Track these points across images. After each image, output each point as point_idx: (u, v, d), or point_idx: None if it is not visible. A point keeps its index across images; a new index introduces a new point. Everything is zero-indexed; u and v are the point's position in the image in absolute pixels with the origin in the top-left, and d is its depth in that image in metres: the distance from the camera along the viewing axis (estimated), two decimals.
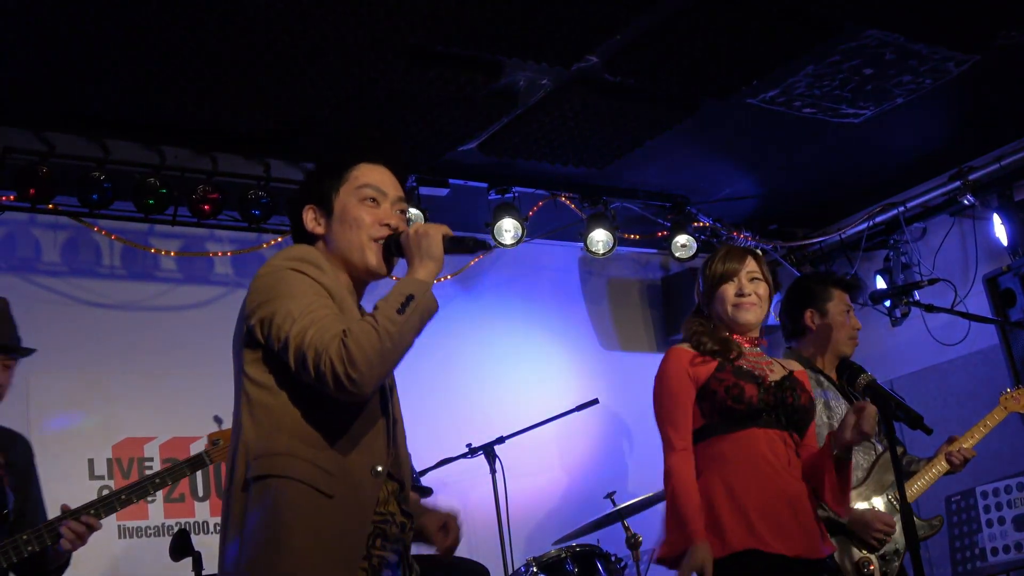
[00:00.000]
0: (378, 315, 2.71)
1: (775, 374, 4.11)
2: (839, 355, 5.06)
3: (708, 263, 4.29)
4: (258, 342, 2.82)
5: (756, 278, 4.19)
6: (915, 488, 5.02)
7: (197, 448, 6.15)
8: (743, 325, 4.15)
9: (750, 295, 4.15)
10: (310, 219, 3.05)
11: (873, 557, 4.74)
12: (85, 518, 4.09)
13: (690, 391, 4.05)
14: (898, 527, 4.77)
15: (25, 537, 4.05)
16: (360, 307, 3.04)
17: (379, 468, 2.84)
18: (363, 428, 2.84)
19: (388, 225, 3.01)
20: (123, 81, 5.35)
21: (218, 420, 4.59)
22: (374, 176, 3.07)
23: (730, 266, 4.19)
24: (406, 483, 3.01)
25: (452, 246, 2.96)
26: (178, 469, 4.40)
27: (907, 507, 3.86)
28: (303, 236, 3.07)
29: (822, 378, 5.01)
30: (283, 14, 4.89)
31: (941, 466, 5.09)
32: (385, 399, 2.93)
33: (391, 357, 2.71)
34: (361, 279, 3.06)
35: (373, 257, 3.00)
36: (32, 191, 5.68)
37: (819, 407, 4.93)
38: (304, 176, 3.26)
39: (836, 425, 4.87)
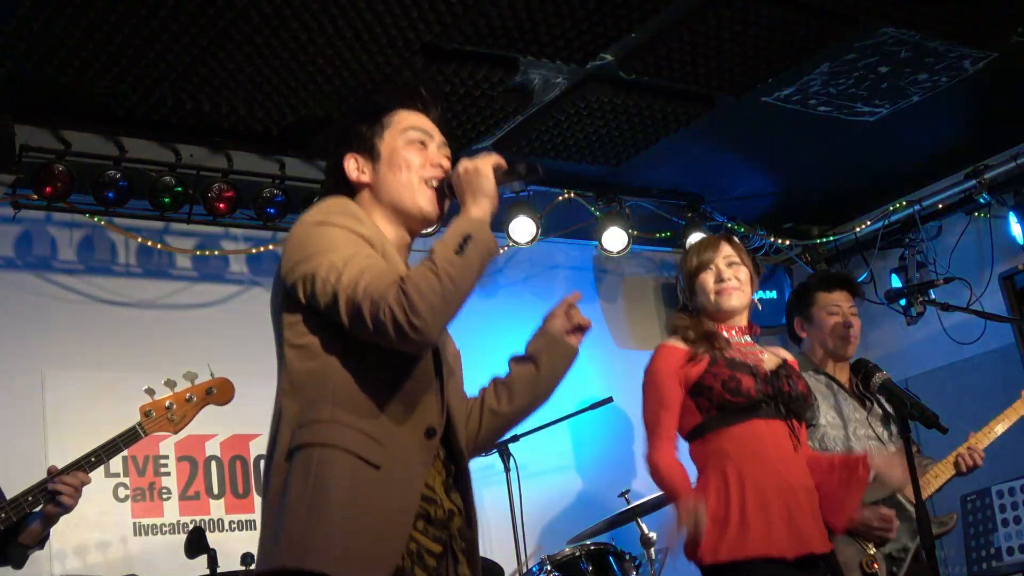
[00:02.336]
0: (436, 257, 2.54)
1: (768, 363, 4.06)
2: (838, 357, 5.02)
3: (684, 258, 4.28)
4: (297, 305, 2.66)
5: (734, 262, 4.17)
6: (927, 489, 4.93)
7: (212, 446, 6.20)
8: (728, 311, 4.11)
9: (730, 279, 4.12)
10: (353, 168, 2.89)
11: (879, 556, 4.70)
12: (75, 472, 4.16)
13: (678, 393, 4.00)
14: (903, 526, 4.73)
15: (2, 514, 4.06)
16: (406, 264, 2.88)
17: (433, 428, 2.69)
18: (415, 387, 2.69)
19: (440, 166, 2.89)
20: (139, 79, 5.36)
21: (150, 392, 4.53)
22: (418, 120, 2.96)
23: (705, 255, 4.18)
24: (460, 466, 2.83)
25: (504, 177, 2.78)
26: (112, 445, 4.36)
27: (923, 508, 3.85)
28: (342, 189, 2.91)
29: (831, 381, 4.99)
30: (300, 11, 4.90)
31: (953, 466, 5.02)
32: (438, 355, 2.76)
33: (454, 301, 2.53)
34: (410, 229, 2.91)
35: (426, 200, 2.85)
36: (48, 189, 5.69)
37: (824, 408, 4.92)
38: (339, 127, 3.14)
39: (845, 426, 4.88)
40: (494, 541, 6.23)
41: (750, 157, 7.29)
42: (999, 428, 5.13)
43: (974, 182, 7.33)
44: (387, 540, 2.54)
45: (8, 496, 4.23)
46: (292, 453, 2.60)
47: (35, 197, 5.76)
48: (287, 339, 2.71)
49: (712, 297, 4.11)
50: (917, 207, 7.70)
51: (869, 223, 8.04)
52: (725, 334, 4.11)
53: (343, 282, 2.55)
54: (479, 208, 2.69)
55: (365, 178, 2.88)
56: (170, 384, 4.48)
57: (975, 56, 6.05)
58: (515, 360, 2.99)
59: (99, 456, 4.30)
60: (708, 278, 4.13)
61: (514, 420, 3.04)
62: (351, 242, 2.65)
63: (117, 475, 5.95)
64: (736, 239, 4.34)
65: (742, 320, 4.17)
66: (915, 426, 4.22)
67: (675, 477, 3.90)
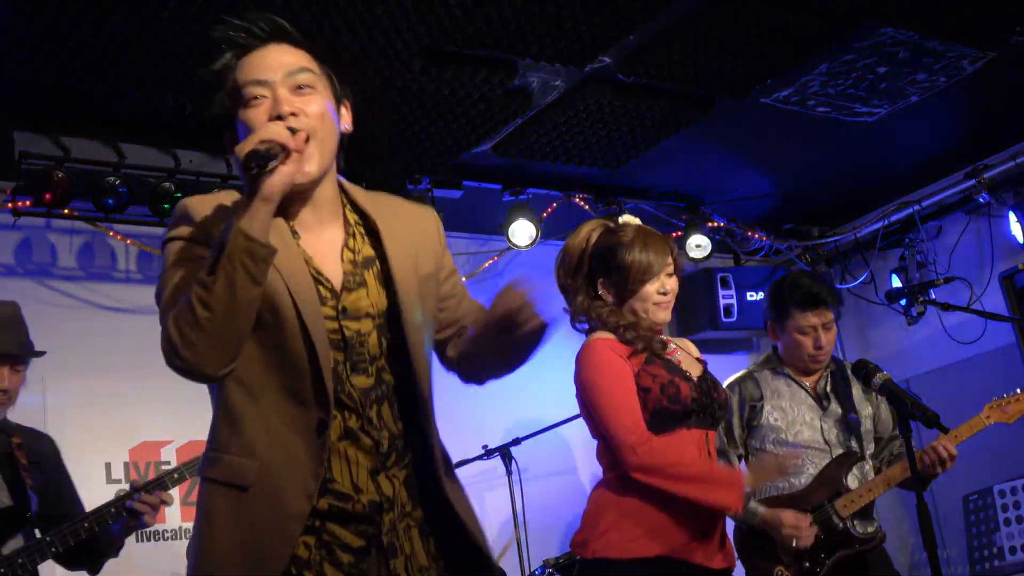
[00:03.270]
0: (194, 283, 2.32)
1: (690, 364, 3.88)
2: (805, 371, 5.00)
3: (626, 250, 3.86)
4: None
5: (671, 274, 3.89)
6: (871, 493, 4.78)
7: None
8: (660, 324, 3.86)
9: (668, 293, 3.85)
10: (229, 148, 2.56)
11: (787, 567, 4.62)
12: (157, 492, 4.28)
13: (631, 377, 3.71)
14: (822, 533, 4.67)
15: (85, 524, 4.22)
16: (293, 232, 2.58)
17: (323, 420, 2.46)
18: (293, 380, 2.48)
19: (280, 117, 2.48)
20: (138, 85, 5.36)
21: None
22: (253, 65, 2.56)
23: (657, 261, 3.83)
24: (391, 440, 2.58)
25: (248, 163, 2.34)
26: (192, 462, 4.46)
27: (923, 506, 3.85)
28: None
29: (791, 380, 4.94)
30: (299, 15, 4.90)
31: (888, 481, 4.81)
32: (309, 337, 2.47)
33: (217, 326, 2.31)
34: (290, 193, 2.50)
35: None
36: (48, 196, 5.69)
37: (768, 408, 4.88)
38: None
39: (787, 428, 4.84)
40: (496, 544, 6.23)
41: (749, 158, 7.30)
42: (963, 436, 4.96)
43: (974, 182, 7.34)
44: (263, 555, 2.44)
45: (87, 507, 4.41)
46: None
47: (35, 204, 5.76)
48: None
49: (651, 309, 3.82)
50: (917, 207, 7.71)
51: (869, 223, 8.05)
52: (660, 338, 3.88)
53: (160, 315, 2.44)
54: (240, 210, 2.37)
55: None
56: None
57: (974, 56, 6.05)
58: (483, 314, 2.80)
59: (181, 473, 4.40)
60: (651, 289, 3.82)
61: (486, 369, 2.88)
62: (174, 262, 2.48)
63: (119, 481, 5.96)
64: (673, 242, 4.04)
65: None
66: (916, 426, 4.21)
67: (706, 465, 3.71)
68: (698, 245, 7.60)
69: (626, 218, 4.05)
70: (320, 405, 2.48)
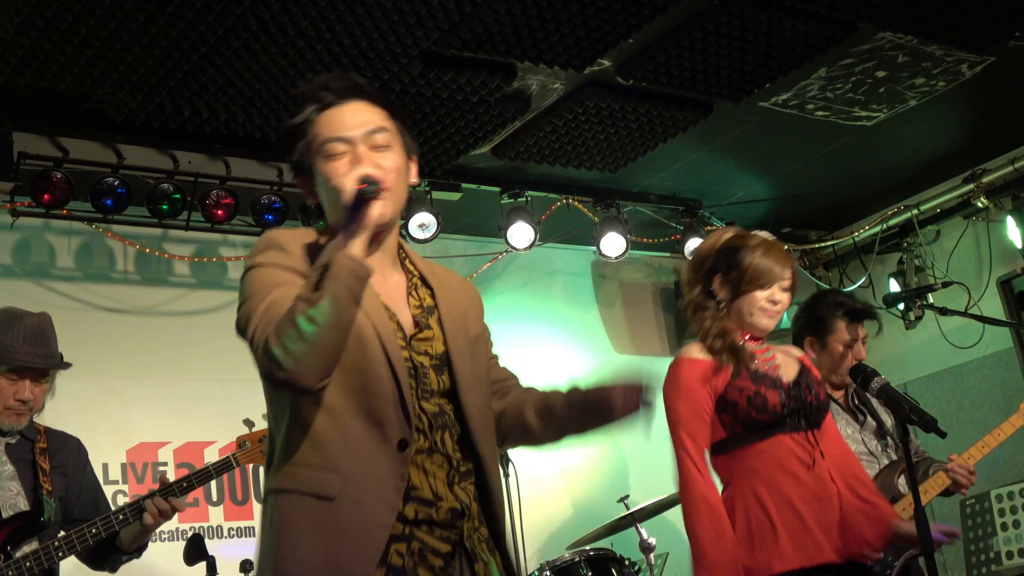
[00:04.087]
0: (296, 299, 2.47)
1: (786, 370, 3.95)
2: (835, 383, 5.02)
3: (749, 252, 3.94)
4: None
5: (787, 288, 3.96)
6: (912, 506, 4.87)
7: (211, 453, 6.19)
8: (762, 332, 3.96)
9: (778, 304, 3.93)
10: (306, 194, 2.82)
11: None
12: (171, 499, 4.27)
13: (708, 401, 3.83)
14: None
15: (93, 529, 4.23)
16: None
17: (405, 439, 2.61)
18: (373, 401, 2.61)
19: (366, 176, 2.64)
20: (137, 86, 5.36)
21: (248, 423, 4.61)
22: (332, 123, 2.74)
23: (776, 269, 3.92)
24: (478, 462, 2.78)
25: (358, 199, 2.58)
26: (204, 472, 4.46)
27: (922, 512, 3.84)
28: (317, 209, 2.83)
29: (827, 397, 4.98)
30: (298, 18, 4.90)
31: (943, 481, 4.95)
32: (391, 364, 2.63)
33: (319, 341, 2.44)
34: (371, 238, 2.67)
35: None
36: (46, 197, 5.69)
37: None
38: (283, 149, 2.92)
39: None
40: None
41: (748, 162, 7.30)
42: (993, 442, 5.08)
43: (972, 186, 7.35)
44: (349, 565, 2.54)
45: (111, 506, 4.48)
46: (266, 498, 2.68)
47: (33, 204, 5.76)
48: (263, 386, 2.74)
49: (756, 314, 3.92)
50: (915, 211, 7.72)
51: (867, 228, 8.05)
52: (750, 348, 3.95)
53: (247, 332, 2.57)
54: (344, 231, 2.56)
55: (314, 200, 2.82)
56: (248, 424, 4.61)
57: (972, 60, 6.06)
58: (568, 395, 2.95)
59: (191, 482, 4.40)
60: (761, 295, 3.91)
61: (539, 442, 3.07)
62: (268, 283, 2.62)
63: (116, 482, 5.95)
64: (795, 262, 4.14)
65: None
66: (914, 430, 4.21)
67: (710, 535, 3.74)
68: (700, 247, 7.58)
69: (761, 232, 4.12)
70: (400, 425, 2.63)
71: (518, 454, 6.22)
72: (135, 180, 5.91)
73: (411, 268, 2.89)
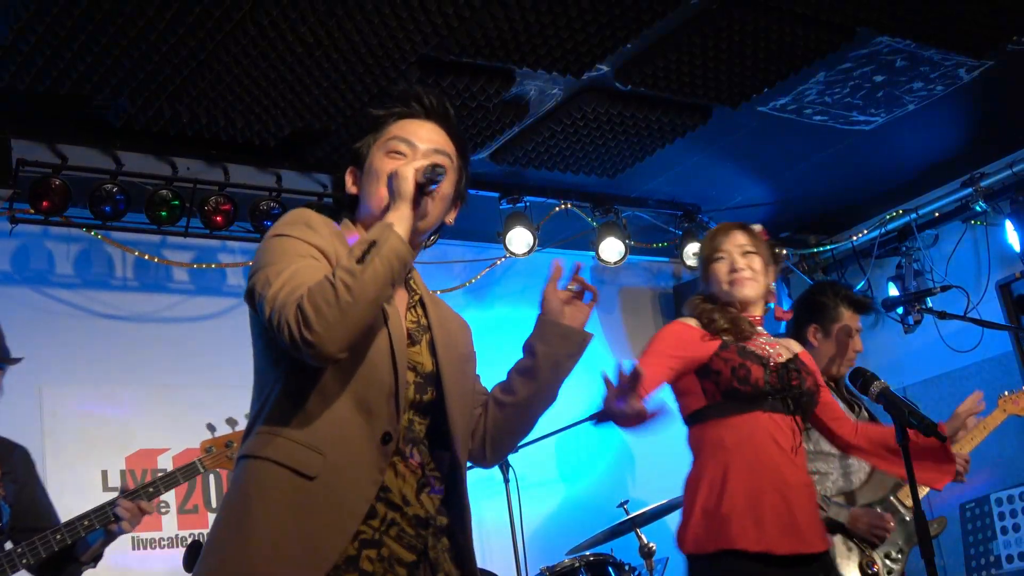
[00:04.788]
0: (337, 267, 2.50)
1: (780, 355, 4.00)
2: (832, 375, 5.04)
3: (703, 242, 4.24)
4: (253, 316, 2.70)
5: (749, 251, 4.09)
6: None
7: None
8: (743, 301, 4.04)
9: (743, 269, 4.04)
10: (350, 182, 2.89)
11: (877, 557, 4.71)
12: (138, 501, 4.22)
13: (676, 355, 3.92)
14: (899, 528, 4.74)
15: (58, 536, 4.16)
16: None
17: (389, 433, 2.62)
18: (367, 395, 2.63)
19: (435, 164, 2.75)
20: (136, 92, 5.36)
21: (211, 428, 4.60)
22: (409, 128, 2.85)
23: (718, 242, 4.12)
24: (456, 473, 2.80)
25: (423, 180, 2.68)
26: (170, 477, 4.42)
27: (920, 512, 3.85)
28: (345, 202, 2.91)
29: (827, 383, 5.01)
30: (296, 24, 4.90)
31: None
32: (395, 360, 2.67)
33: (353, 312, 2.46)
34: None
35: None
36: (45, 204, 5.69)
37: None
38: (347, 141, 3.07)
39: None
40: (494, 552, 6.23)
41: (746, 167, 7.30)
42: (978, 438, 5.11)
43: (970, 190, 7.35)
44: (318, 546, 2.53)
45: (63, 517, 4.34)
46: (237, 463, 2.66)
47: (32, 211, 5.76)
48: (255, 350, 2.76)
49: (725, 287, 4.05)
50: (914, 215, 7.72)
51: (866, 232, 8.05)
52: (750, 321, 4.04)
53: (267, 294, 2.55)
54: (393, 212, 2.63)
55: (355, 189, 2.88)
56: (231, 422, 4.59)
57: (970, 64, 6.07)
58: (524, 351, 2.96)
59: (156, 487, 4.37)
60: (722, 267, 4.08)
61: (524, 412, 2.99)
62: (294, 253, 2.63)
63: (116, 489, 5.94)
64: (755, 228, 4.27)
65: (757, 310, 4.11)
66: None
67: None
68: (695, 253, 7.57)
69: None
70: (390, 419, 2.64)
71: (518, 459, 6.22)
72: (134, 187, 5.91)
73: (415, 288, 2.92)
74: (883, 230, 7.90)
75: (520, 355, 2.98)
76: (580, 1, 5.02)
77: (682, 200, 7.72)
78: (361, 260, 2.49)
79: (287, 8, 4.79)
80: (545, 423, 6.69)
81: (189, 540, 5.67)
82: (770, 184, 7.57)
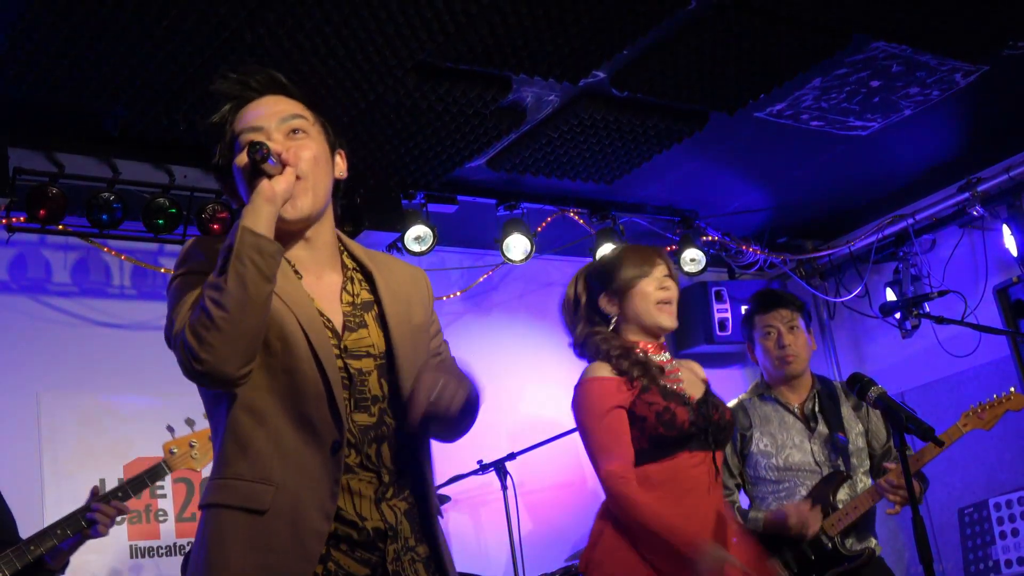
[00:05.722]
0: (203, 288, 2.42)
1: (692, 387, 3.91)
2: (785, 377, 5.01)
3: (616, 256, 4.03)
4: None
5: (671, 277, 3.96)
6: (847, 519, 4.80)
7: (207, 469, 6.18)
8: (665, 330, 3.94)
9: (669, 290, 3.93)
10: (231, 196, 2.73)
11: (778, 565, 4.67)
12: (114, 503, 4.25)
13: (623, 417, 3.76)
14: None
15: (31, 546, 4.17)
16: (296, 271, 2.68)
17: (337, 441, 2.53)
18: (304, 405, 2.54)
19: (253, 141, 2.58)
20: (132, 100, 5.36)
21: (170, 429, 4.60)
22: (249, 115, 2.68)
23: (647, 258, 3.96)
24: (391, 476, 2.64)
25: (252, 167, 2.53)
26: (138, 480, 4.42)
27: (919, 518, 3.84)
28: None
29: (778, 405, 4.98)
30: (293, 31, 4.90)
31: (874, 496, 4.84)
32: (320, 364, 2.56)
33: (232, 325, 2.37)
34: (288, 230, 2.65)
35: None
36: (42, 212, 5.69)
37: (758, 435, 4.93)
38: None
39: (777, 454, 4.88)
40: (492, 559, 6.22)
41: (743, 173, 7.31)
42: (930, 455, 4.98)
43: (967, 195, 7.34)
44: (286, 574, 2.49)
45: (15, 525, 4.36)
46: (201, 512, 2.62)
47: (29, 220, 5.76)
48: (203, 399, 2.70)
49: (652, 311, 3.90)
50: (911, 220, 7.71)
51: (863, 237, 8.04)
52: (651, 353, 3.91)
53: (170, 339, 2.53)
54: (246, 207, 2.51)
55: (236, 204, 2.72)
56: (190, 423, 4.58)
57: (967, 69, 6.07)
58: None
59: (125, 491, 4.38)
60: (649, 287, 3.91)
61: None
62: (183, 291, 2.57)
63: None
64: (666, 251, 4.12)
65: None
66: (911, 439, 4.21)
67: (673, 519, 3.66)
68: (692, 259, 7.60)
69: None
70: (333, 427, 2.55)
71: (516, 466, 6.22)
72: (131, 195, 5.91)
73: (348, 263, 2.80)
74: (880, 235, 7.90)
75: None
76: (576, 8, 5.02)
77: (679, 206, 7.71)
78: (222, 271, 2.40)
79: (284, 16, 4.79)
80: (544, 429, 6.72)
81: (187, 548, 5.65)
82: (767, 189, 7.58)
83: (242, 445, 2.55)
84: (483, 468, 6.33)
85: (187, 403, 6.14)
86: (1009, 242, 7.24)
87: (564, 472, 7.36)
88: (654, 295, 3.91)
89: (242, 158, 2.57)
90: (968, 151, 7.22)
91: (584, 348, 4.01)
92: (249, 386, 2.52)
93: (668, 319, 3.94)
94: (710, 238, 7.87)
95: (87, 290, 6.29)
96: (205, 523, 2.56)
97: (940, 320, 5.84)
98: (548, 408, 7.14)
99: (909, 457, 4.41)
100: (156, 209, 5.95)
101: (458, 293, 7.21)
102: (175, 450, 4.52)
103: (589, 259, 7.37)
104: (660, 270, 3.95)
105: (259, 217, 2.47)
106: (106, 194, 5.83)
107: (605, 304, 3.98)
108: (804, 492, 4.81)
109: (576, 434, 6.28)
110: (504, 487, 6.19)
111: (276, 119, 2.66)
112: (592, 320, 4.02)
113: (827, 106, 6.31)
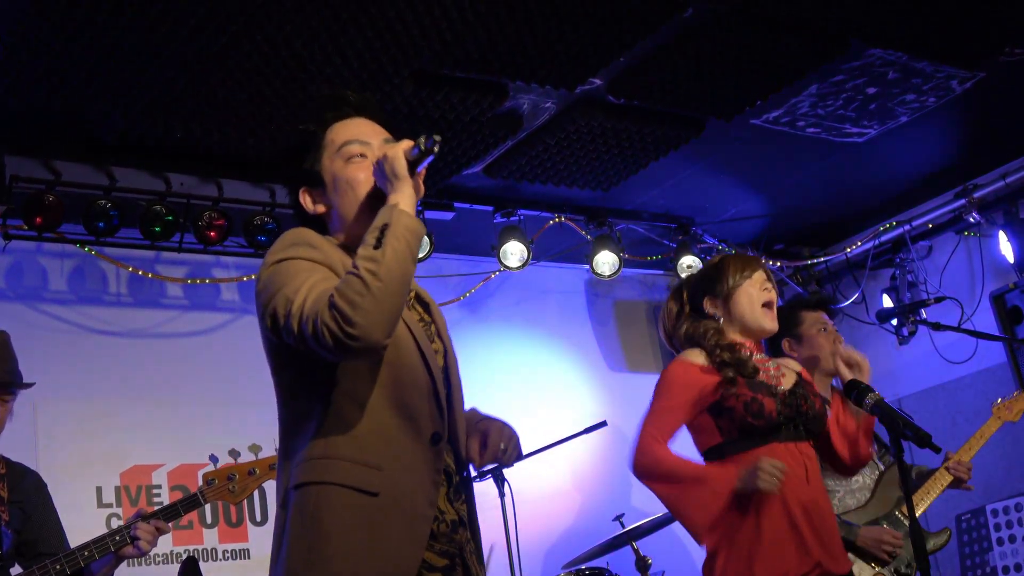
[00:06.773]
0: (357, 259, 2.52)
1: (785, 380, 4.02)
2: (829, 373, 5.04)
3: (719, 261, 4.19)
4: (278, 346, 2.68)
5: (769, 281, 4.14)
6: (922, 504, 4.98)
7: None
8: (764, 332, 4.09)
9: (770, 292, 4.09)
10: (308, 203, 2.89)
11: (886, 572, 4.72)
12: (155, 521, 4.20)
13: (686, 401, 3.94)
14: (906, 543, 4.76)
15: (58, 566, 4.12)
16: None
17: (438, 433, 2.70)
18: (411, 399, 2.69)
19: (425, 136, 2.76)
20: (129, 108, 5.36)
21: (233, 454, 4.57)
22: (351, 130, 2.89)
23: (751, 269, 4.11)
24: (457, 473, 2.82)
25: (415, 157, 2.69)
26: (171, 509, 4.35)
27: (916, 524, 3.85)
28: (309, 221, 2.90)
29: None
30: (291, 38, 4.90)
31: (945, 478, 5.06)
32: (426, 359, 2.73)
33: (386, 296, 2.48)
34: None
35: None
36: (39, 220, 5.69)
37: None
38: (283, 160, 3.09)
39: None
40: (489, 566, 6.20)
41: (740, 179, 7.31)
42: (975, 447, 5.14)
43: (964, 201, 7.35)
44: (395, 563, 2.58)
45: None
46: (289, 493, 2.65)
47: (25, 227, 5.76)
48: (279, 380, 2.75)
49: (757, 312, 4.06)
50: (907, 227, 7.72)
51: (860, 244, 8.05)
52: (751, 355, 4.04)
53: (293, 310, 2.55)
54: (396, 194, 2.65)
55: (321, 208, 2.88)
56: (234, 454, 4.56)
57: (963, 76, 6.08)
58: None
59: (157, 516, 4.31)
60: (753, 290, 4.07)
61: None
62: (303, 270, 2.64)
63: (110, 505, 5.93)
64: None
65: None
66: (908, 446, 4.20)
67: (686, 463, 3.86)
68: (689, 266, 7.60)
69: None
70: (434, 419, 2.71)
71: (514, 473, 6.21)
72: (127, 202, 5.91)
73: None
74: (877, 242, 7.90)
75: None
76: (573, 15, 5.02)
77: (676, 213, 7.72)
78: (378, 245, 2.52)
79: (282, 23, 4.79)
80: (541, 436, 6.71)
81: (184, 556, 5.64)
82: (764, 196, 7.58)
83: (346, 430, 2.63)
84: (480, 475, 6.32)
85: (183, 411, 6.20)
86: (1005, 248, 7.25)
87: (562, 479, 7.36)
88: (759, 296, 4.07)
89: (406, 143, 2.69)
90: (964, 158, 7.23)
91: (685, 339, 4.15)
92: (352, 374, 2.63)
93: (770, 321, 4.08)
94: (707, 245, 7.87)
95: (84, 297, 6.28)
96: (311, 498, 2.60)
97: (937, 326, 5.84)
98: (545, 415, 7.14)
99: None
100: (153, 216, 5.95)
101: (455, 300, 7.21)
102: (215, 481, 4.47)
103: (586, 266, 7.39)
104: (761, 275, 4.11)
105: (410, 203, 2.64)
106: (103, 201, 5.83)
107: (709, 306, 4.13)
108: (870, 483, 4.90)
109: (573, 442, 6.32)
110: (502, 494, 6.17)
111: (380, 138, 2.87)
112: (699, 315, 4.17)
113: (824, 113, 6.32)
